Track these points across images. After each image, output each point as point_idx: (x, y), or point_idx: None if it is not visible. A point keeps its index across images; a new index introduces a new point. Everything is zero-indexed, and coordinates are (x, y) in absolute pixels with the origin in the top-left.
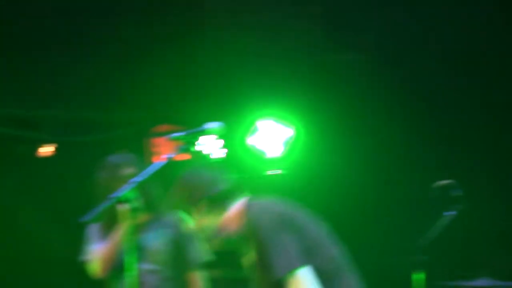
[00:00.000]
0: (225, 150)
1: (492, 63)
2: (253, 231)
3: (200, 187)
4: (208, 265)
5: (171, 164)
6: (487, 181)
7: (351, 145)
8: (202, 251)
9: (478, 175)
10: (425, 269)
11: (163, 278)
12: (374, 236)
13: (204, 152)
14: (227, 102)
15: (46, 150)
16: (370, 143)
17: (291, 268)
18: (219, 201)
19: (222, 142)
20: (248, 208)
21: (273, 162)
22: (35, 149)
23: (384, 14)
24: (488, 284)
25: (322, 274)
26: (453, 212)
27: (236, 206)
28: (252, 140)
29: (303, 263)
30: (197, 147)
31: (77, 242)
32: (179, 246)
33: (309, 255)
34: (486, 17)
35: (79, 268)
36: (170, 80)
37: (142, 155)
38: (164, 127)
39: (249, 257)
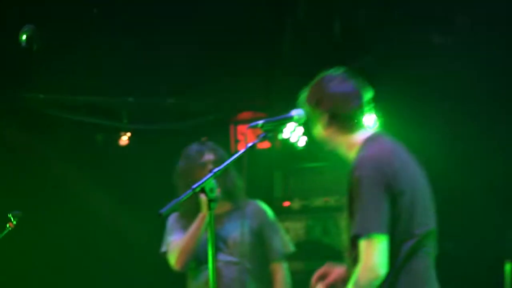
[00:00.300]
0: (306, 138)
1: None
2: (353, 174)
3: (334, 97)
4: (290, 257)
5: (254, 153)
6: None
7: (448, 131)
8: (285, 242)
9: None
10: None
11: (243, 270)
12: (466, 223)
13: (291, 140)
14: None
15: (125, 138)
16: (468, 129)
17: (371, 231)
18: (343, 120)
19: (302, 129)
20: (364, 145)
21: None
22: (114, 137)
23: None
24: None
25: (396, 248)
26: None
27: (359, 137)
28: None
29: (384, 231)
30: (283, 135)
31: (157, 233)
32: (261, 236)
33: (393, 225)
34: None
35: (160, 260)
36: (253, 66)
37: (225, 144)
38: (247, 114)
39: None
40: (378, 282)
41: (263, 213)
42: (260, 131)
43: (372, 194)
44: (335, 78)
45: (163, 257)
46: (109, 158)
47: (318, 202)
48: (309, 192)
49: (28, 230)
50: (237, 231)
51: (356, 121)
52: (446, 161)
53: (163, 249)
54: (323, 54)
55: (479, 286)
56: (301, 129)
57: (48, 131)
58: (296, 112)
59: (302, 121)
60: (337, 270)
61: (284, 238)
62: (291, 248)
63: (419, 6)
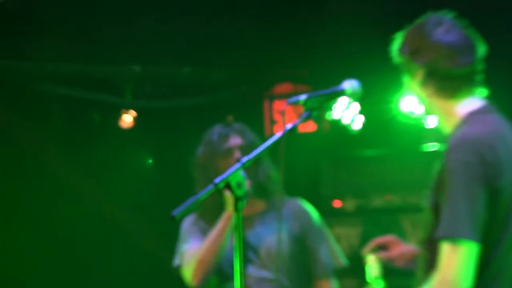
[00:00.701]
0: (363, 118)
1: None
2: (447, 157)
3: (438, 47)
4: (341, 272)
5: (294, 137)
6: None
7: None
8: (334, 253)
9: None
10: None
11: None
12: None
13: (344, 121)
14: (371, 56)
15: (129, 118)
16: None
17: (460, 236)
18: (446, 80)
19: (358, 106)
20: (467, 120)
21: (432, 135)
22: (114, 116)
23: None
24: None
25: (484, 262)
26: None
27: (460, 106)
28: (406, 106)
29: (476, 238)
30: (332, 114)
31: (169, 240)
32: (304, 245)
33: (485, 234)
34: None
35: (173, 274)
36: (293, 26)
37: (258, 125)
38: (286, 87)
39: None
40: None
41: (307, 215)
42: (302, 109)
43: (467, 187)
44: (443, 23)
45: (176, 272)
46: (108, 143)
47: (378, 201)
48: (367, 188)
49: (16, 224)
50: (272, 238)
51: (462, 83)
52: None
53: (177, 261)
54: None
55: None
56: (356, 107)
57: (33, 108)
58: (349, 84)
59: (358, 95)
60: (403, 247)
61: (334, 248)
62: (342, 261)
63: None
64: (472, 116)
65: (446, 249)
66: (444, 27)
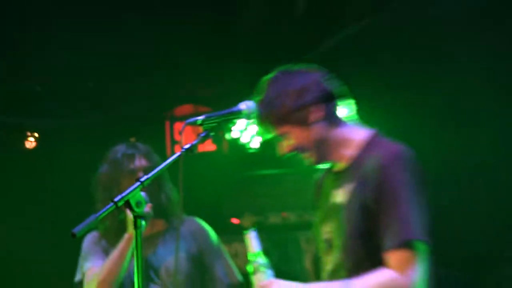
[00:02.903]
0: (260, 139)
1: None
2: (383, 172)
3: (310, 89)
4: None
5: (194, 157)
6: None
7: (432, 125)
8: (231, 270)
9: None
10: None
11: None
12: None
13: (242, 141)
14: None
15: (32, 138)
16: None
17: (413, 239)
18: (334, 109)
19: (255, 127)
20: (375, 140)
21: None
22: (19, 137)
23: None
24: None
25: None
26: None
27: (356, 131)
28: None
29: (427, 240)
30: (233, 133)
31: (69, 257)
32: (201, 263)
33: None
34: None
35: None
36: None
37: (159, 145)
38: (187, 108)
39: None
40: None
41: (204, 233)
42: (201, 130)
43: (416, 196)
44: (300, 70)
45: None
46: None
47: (275, 218)
48: (264, 206)
49: None
50: (171, 258)
51: (342, 113)
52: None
53: (78, 278)
54: (281, 38)
55: None
56: (254, 127)
57: None
58: (246, 105)
59: (254, 116)
60: None
61: (230, 266)
62: (238, 278)
63: None
64: (376, 137)
65: (402, 252)
66: (302, 71)
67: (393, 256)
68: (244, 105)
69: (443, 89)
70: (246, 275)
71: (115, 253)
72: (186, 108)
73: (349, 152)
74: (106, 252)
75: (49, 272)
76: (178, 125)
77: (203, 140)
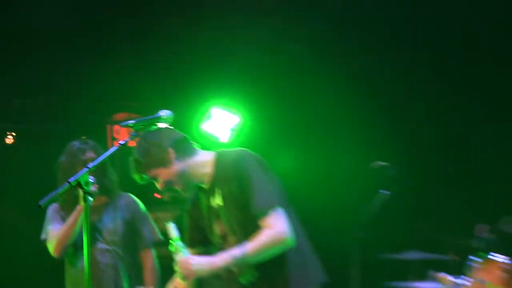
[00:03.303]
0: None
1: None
2: (236, 169)
3: (162, 139)
4: (159, 244)
5: (127, 149)
6: (417, 163)
7: (295, 129)
8: (154, 231)
9: (411, 158)
10: (362, 244)
11: (117, 256)
12: (316, 211)
13: None
14: (183, 91)
15: (10, 138)
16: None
17: (273, 205)
18: (184, 146)
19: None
20: (220, 154)
21: (223, 147)
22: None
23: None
24: (416, 256)
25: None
26: (388, 192)
27: (205, 154)
28: (206, 126)
29: (281, 204)
30: None
31: (38, 222)
32: (133, 227)
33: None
34: None
35: (42, 248)
36: (129, 71)
37: (103, 142)
38: (122, 115)
39: (215, 199)
40: (283, 246)
41: (135, 205)
42: (132, 130)
43: (265, 176)
44: (155, 131)
45: (43, 244)
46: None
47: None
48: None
49: None
50: (111, 223)
51: (192, 145)
52: None
53: (43, 236)
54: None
55: None
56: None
57: None
58: (164, 113)
59: (170, 120)
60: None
61: (154, 228)
62: (160, 237)
63: None
64: (218, 153)
65: (268, 216)
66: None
67: (264, 221)
68: (163, 113)
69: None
70: (165, 235)
71: (70, 220)
72: (121, 115)
73: (208, 170)
74: (63, 219)
75: (24, 234)
76: (116, 127)
77: (133, 138)
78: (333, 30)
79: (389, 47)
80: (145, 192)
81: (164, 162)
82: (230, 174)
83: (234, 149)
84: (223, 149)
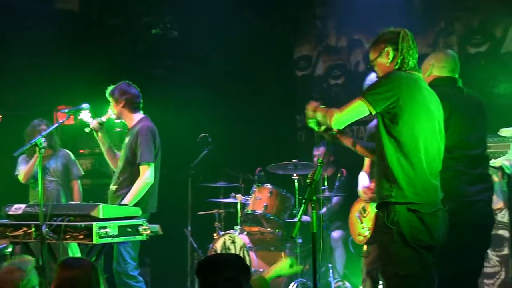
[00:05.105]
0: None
1: None
2: (137, 134)
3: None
4: (82, 177)
5: (63, 126)
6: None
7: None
8: (80, 169)
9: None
10: (193, 176)
11: (58, 184)
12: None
13: (84, 120)
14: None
15: None
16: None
17: (150, 161)
18: (131, 103)
19: (89, 114)
20: (144, 118)
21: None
22: None
23: None
24: (223, 184)
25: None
26: (206, 150)
27: (138, 114)
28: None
29: (152, 161)
30: (80, 117)
31: (12, 167)
32: (67, 167)
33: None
34: None
35: (16, 179)
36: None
37: (51, 121)
38: (62, 107)
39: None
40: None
41: (69, 155)
42: (65, 115)
43: (151, 141)
44: (124, 84)
45: (16, 177)
46: None
47: (96, 150)
48: (95, 147)
49: None
50: (54, 164)
51: (135, 107)
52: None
53: (15, 173)
54: (120, 64)
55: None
56: (88, 114)
57: None
58: (84, 105)
59: (88, 109)
60: None
61: (79, 167)
62: (82, 172)
63: None
64: (142, 119)
65: (145, 167)
66: (125, 85)
67: (140, 168)
68: (85, 105)
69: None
70: (86, 171)
71: (30, 162)
72: (62, 107)
73: (132, 122)
74: (27, 163)
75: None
76: (58, 114)
77: (67, 118)
78: None
79: None
80: (75, 148)
81: (119, 104)
82: (136, 133)
83: (148, 120)
84: (146, 118)
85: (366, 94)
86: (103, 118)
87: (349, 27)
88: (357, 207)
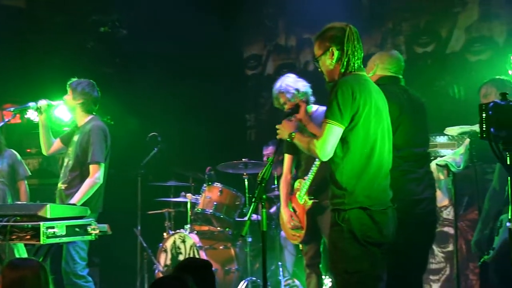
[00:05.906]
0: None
1: None
2: (89, 132)
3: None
4: (29, 177)
5: (9, 125)
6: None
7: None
8: (26, 169)
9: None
10: (143, 175)
11: (4, 184)
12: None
13: (31, 118)
14: (47, 88)
15: None
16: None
17: (101, 161)
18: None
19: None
20: (95, 117)
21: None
22: None
23: None
24: (174, 184)
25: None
26: (156, 149)
27: (89, 115)
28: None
29: (103, 162)
30: (26, 116)
31: None
32: (13, 167)
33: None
34: None
35: None
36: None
37: None
38: (8, 105)
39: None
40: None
41: (15, 155)
42: (11, 113)
43: (103, 141)
44: (89, 84)
45: None
46: None
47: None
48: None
49: None
50: (1, 165)
51: (90, 109)
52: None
53: None
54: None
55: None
56: (35, 112)
57: None
58: (31, 104)
59: (35, 108)
60: None
61: (26, 168)
62: (29, 172)
63: None
64: (93, 119)
65: (95, 166)
66: (86, 83)
67: (90, 167)
68: (30, 103)
69: None
70: (32, 171)
71: None
72: (8, 105)
73: (82, 121)
74: None
75: None
76: (4, 112)
77: (13, 117)
78: None
79: None
80: (22, 148)
81: (77, 99)
82: (87, 132)
83: (99, 120)
84: (96, 118)
85: (330, 117)
86: (54, 103)
87: (298, 26)
88: (286, 210)
